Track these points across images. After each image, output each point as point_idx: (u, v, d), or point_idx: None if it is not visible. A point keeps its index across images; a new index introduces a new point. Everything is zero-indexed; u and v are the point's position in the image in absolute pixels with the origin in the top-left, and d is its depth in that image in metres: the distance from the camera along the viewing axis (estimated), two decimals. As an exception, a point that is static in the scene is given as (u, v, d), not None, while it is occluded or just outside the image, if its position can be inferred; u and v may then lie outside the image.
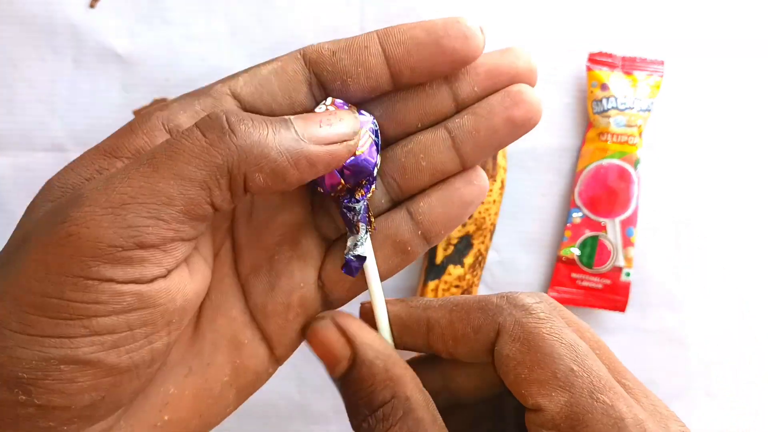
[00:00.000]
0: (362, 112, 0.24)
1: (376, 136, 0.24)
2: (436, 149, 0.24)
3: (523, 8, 0.48)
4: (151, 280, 0.20)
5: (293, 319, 0.25)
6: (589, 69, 0.48)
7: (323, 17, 0.48)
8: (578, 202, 0.48)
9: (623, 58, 0.48)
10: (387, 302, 0.25)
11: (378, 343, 0.23)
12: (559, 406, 0.20)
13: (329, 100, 0.23)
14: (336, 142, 0.21)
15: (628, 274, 0.47)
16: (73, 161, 0.22)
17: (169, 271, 0.20)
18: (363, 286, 0.25)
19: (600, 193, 0.47)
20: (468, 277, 0.46)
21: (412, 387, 0.22)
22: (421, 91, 0.24)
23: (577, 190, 0.48)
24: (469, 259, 0.46)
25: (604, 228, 0.47)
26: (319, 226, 0.26)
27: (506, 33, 0.48)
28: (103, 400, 0.20)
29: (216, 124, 0.19)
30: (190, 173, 0.19)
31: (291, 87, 0.23)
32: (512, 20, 0.48)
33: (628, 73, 0.48)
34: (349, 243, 0.24)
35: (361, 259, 0.24)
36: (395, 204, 0.26)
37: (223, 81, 0.23)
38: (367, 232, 0.24)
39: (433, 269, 0.46)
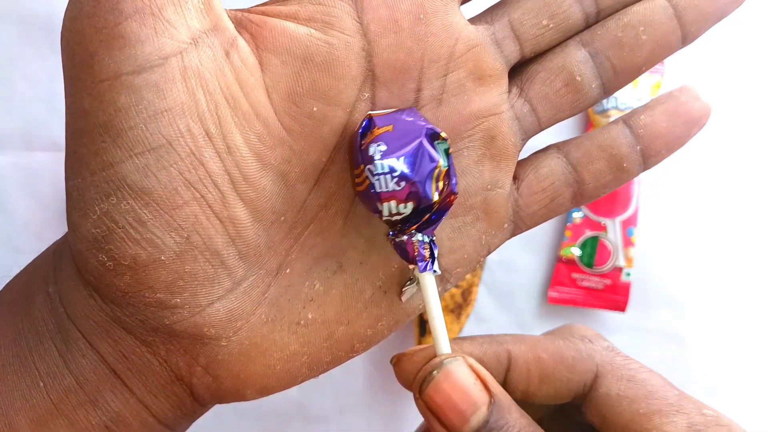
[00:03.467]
0: (398, 130, 0.20)
1: (404, 180, 0.20)
2: (657, 19, 0.22)
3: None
4: None
5: (471, 223, 0.23)
6: (589, 69, 0.48)
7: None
8: (578, 202, 0.48)
9: (623, 58, 0.47)
10: (451, 341, 0.22)
11: (503, 390, 0.21)
12: (683, 429, 0.20)
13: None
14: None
15: (628, 274, 0.47)
16: None
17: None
18: (566, 201, 0.23)
19: (600, 193, 0.47)
20: (468, 277, 0.46)
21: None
22: None
23: (577, 190, 0.48)
24: (469, 259, 0.46)
25: (604, 228, 0.47)
26: (521, 117, 0.23)
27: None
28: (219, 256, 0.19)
29: None
30: None
31: None
32: (512, 20, 0.48)
33: (628, 73, 0.47)
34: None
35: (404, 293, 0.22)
36: (606, 91, 0.23)
37: None
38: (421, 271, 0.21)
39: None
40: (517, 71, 0.23)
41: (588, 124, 0.48)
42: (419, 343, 0.46)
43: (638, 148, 0.23)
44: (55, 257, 0.21)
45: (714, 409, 0.22)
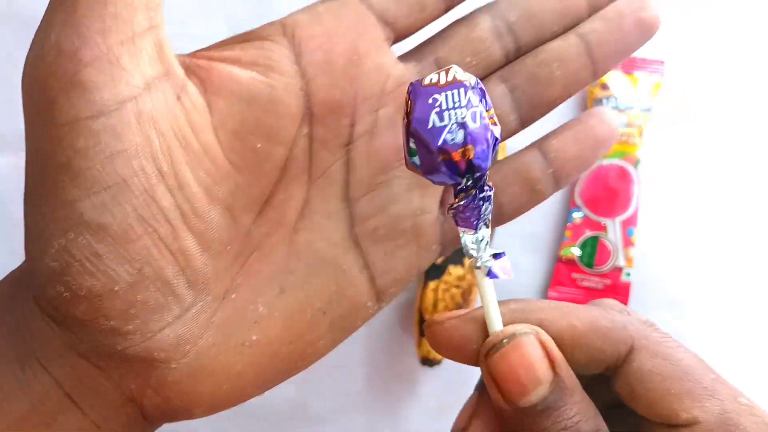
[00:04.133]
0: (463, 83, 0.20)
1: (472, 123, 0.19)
2: (569, 57, 0.24)
3: (523, 8, 0.48)
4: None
5: (402, 246, 0.24)
6: (589, 69, 0.48)
7: (323, 17, 0.48)
8: (578, 202, 0.48)
9: (623, 58, 0.47)
10: (477, 311, 0.22)
11: (572, 371, 0.20)
12: (715, 415, 0.20)
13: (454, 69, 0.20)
14: None
15: (628, 275, 0.47)
16: None
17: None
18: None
19: (600, 193, 0.47)
20: (468, 277, 0.46)
21: (605, 425, 0.20)
22: None
23: (577, 190, 0.48)
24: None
25: (604, 228, 0.47)
26: None
27: (506, 33, 0.48)
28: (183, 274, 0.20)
29: None
30: None
31: None
32: (512, 20, 0.48)
33: (628, 73, 0.48)
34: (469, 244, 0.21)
35: (499, 255, 0.21)
36: (523, 123, 0.25)
37: None
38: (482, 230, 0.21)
39: (432, 269, 0.45)
40: None
41: (588, 124, 0.48)
42: (419, 343, 0.47)
43: (550, 171, 0.25)
44: (13, 286, 0.22)
45: (749, 398, 0.21)
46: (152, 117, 0.20)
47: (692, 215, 0.49)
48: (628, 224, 0.47)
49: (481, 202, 0.20)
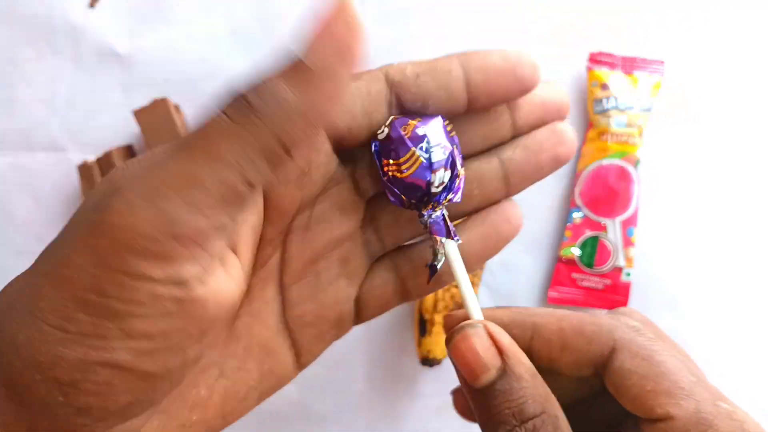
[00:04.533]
0: (426, 120, 0.24)
1: (447, 149, 0.24)
2: (489, 179, 0.26)
3: (523, 8, 0.48)
4: (188, 282, 0.19)
5: (327, 332, 0.26)
6: (589, 69, 0.48)
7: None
8: (578, 202, 0.48)
9: (623, 58, 0.48)
10: (484, 309, 0.25)
11: (525, 359, 0.23)
12: (689, 414, 0.22)
13: (389, 120, 0.24)
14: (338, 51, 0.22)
15: (628, 275, 0.47)
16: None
17: (206, 271, 0.20)
18: (393, 303, 0.27)
19: (600, 193, 0.47)
20: (469, 276, 0.46)
21: (558, 408, 0.22)
22: (486, 115, 0.26)
23: (577, 190, 0.48)
24: (469, 259, 0.46)
25: (604, 228, 0.47)
26: (368, 242, 0.27)
27: (506, 33, 0.48)
28: (137, 401, 0.20)
29: (237, 103, 0.19)
30: (221, 154, 0.19)
31: (372, 108, 0.24)
32: (512, 20, 0.48)
33: (628, 73, 0.48)
34: (431, 251, 0.25)
35: (434, 268, 0.25)
36: None
37: None
38: (443, 243, 0.25)
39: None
40: (371, 202, 0.27)
41: (588, 125, 0.48)
42: (419, 343, 0.47)
43: None
44: None
45: (733, 403, 0.23)
46: None
47: (692, 215, 0.49)
48: (628, 224, 0.47)
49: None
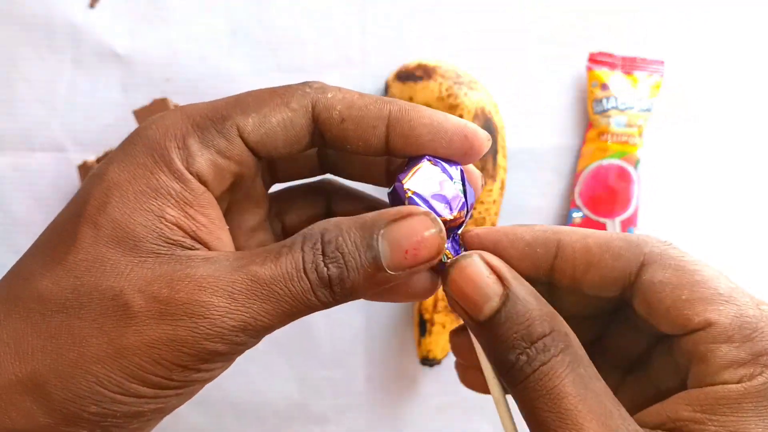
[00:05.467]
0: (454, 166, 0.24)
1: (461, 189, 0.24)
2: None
3: (523, 8, 0.48)
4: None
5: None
6: (589, 69, 0.48)
7: (323, 17, 0.48)
8: (578, 202, 0.48)
9: (623, 58, 0.48)
10: (504, 227, 0.24)
11: (525, 282, 0.22)
12: (730, 318, 0.20)
13: (425, 161, 0.24)
14: (419, 265, 0.22)
15: (628, 274, 0.47)
16: (118, 197, 0.21)
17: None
18: None
19: (600, 193, 0.47)
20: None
21: (566, 325, 0.21)
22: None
23: (577, 190, 0.48)
24: (469, 259, 0.46)
25: (604, 228, 0.47)
26: (276, 231, 0.28)
27: (506, 33, 0.48)
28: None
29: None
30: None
31: (295, 141, 0.23)
32: (512, 21, 0.48)
33: (628, 73, 0.48)
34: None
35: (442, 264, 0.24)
36: None
37: (231, 108, 0.23)
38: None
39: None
40: (279, 200, 0.29)
41: (588, 125, 0.48)
42: (419, 343, 0.47)
43: None
44: None
45: None
46: None
47: (692, 215, 0.49)
48: (628, 224, 0.47)
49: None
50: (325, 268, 0.21)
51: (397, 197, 0.23)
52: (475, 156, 0.24)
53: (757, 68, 0.49)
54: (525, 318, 0.21)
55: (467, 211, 0.24)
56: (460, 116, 0.45)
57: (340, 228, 0.21)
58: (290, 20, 0.48)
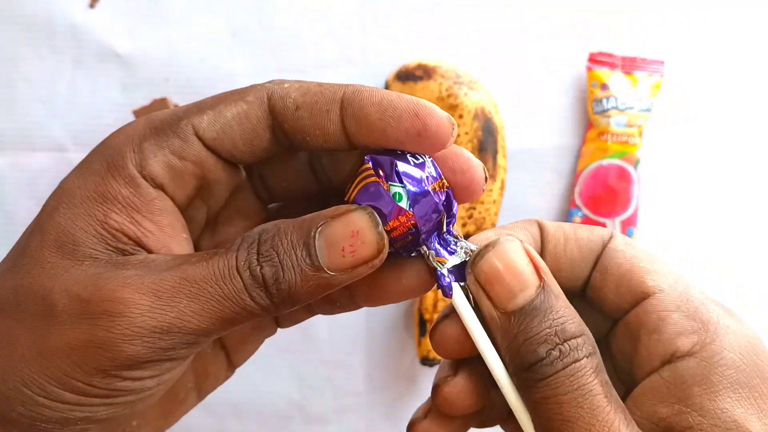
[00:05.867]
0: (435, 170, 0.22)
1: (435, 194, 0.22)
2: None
3: (523, 8, 0.48)
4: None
5: (248, 334, 0.27)
6: (589, 69, 0.48)
7: (323, 17, 0.48)
8: (578, 202, 0.48)
9: (623, 58, 0.47)
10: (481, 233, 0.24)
11: (556, 281, 0.22)
12: (680, 291, 0.22)
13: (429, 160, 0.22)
14: (359, 266, 0.21)
15: (628, 274, 0.47)
16: (65, 203, 0.21)
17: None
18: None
19: (600, 193, 0.47)
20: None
21: (591, 332, 0.21)
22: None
23: (577, 190, 0.48)
24: (469, 259, 0.46)
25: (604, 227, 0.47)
26: None
27: (506, 33, 0.48)
28: None
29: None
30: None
31: (253, 135, 0.22)
32: (512, 21, 0.48)
33: (628, 73, 0.48)
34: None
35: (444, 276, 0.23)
36: None
37: (189, 110, 0.22)
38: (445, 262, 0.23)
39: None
40: (277, 215, 0.27)
41: (588, 125, 0.48)
42: (419, 343, 0.47)
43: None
44: None
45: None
46: None
47: (692, 215, 0.49)
48: (628, 224, 0.47)
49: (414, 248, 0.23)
50: (258, 266, 0.20)
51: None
52: (431, 139, 0.21)
53: (757, 68, 0.49)
54: (560, 314, 0.20)
55: (429, 206, 0.21)
56: (460, 116, 0.45)
57: (278, 227, 0.20)
58: (290, 20, 0.48)
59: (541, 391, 0.20)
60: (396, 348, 0.49)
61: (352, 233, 0.20)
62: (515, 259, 0.21)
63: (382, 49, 0.48)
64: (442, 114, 0.21)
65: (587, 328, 0.21)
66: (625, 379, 0.23)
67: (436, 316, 0.46)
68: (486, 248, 0.21)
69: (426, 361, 0.46)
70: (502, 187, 0.46)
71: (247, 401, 0.48)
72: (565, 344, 0.20)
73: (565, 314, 0.21)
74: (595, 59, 0.48)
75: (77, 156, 0.47)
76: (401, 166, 0.21)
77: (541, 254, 0.23)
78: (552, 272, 0.22)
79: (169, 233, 0.22)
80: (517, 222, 0.24)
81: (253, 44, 0.48)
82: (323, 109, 0.22)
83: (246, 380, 0.48)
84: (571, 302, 0.21)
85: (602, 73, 0.47)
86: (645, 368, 0.21)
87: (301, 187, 0.26)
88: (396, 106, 0.21)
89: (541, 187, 0.49)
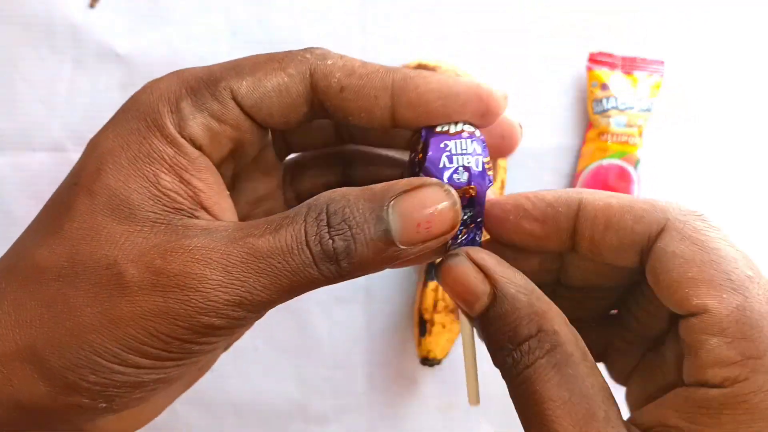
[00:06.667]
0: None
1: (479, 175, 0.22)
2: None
3: (523, 8, 0.48)
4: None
5: None
6: (589, 69, 0.48)
7: (323, 17, 0.48)
8: (578, 202, 0.48)
9: (623, 58, 0.48)
10: (530, 192, 0.23)
11: (518, 277, 0.21)
12: (730, 309, 0.18)
13: (460, 126, 0.22)
14: (431, 240, 0.20)
15: (628, 274, 0.47)
16: (112, 164, 0.21)
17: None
18: None
19: (600, 193, 0.47)
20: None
21: (560, 321, 0.20)
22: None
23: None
24: (469, 259, 0.46)
25: (604, 228, 0.47)
26: (288, 200, 0.28)
27: (506, 33, 0.48)
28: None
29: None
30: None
31: (291, 109, 0.22)
32: (512, 21, 0.48)
33: (628, 73, 0.48)
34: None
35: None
36: None
37: (226, 70, 0.23)
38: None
39: (433, 269, 0.45)
40: (294, 167, 0.28)
41: (588, 125, 0.48)
42: (419, 343, 0.47)
43: None
44: None
45: None
46: None
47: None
48: (628, 224, 0.47)
49: (473, 233, 0.23)
50: (331, 241, 0.19)
51: (413, 169, 0.22)
52: (493, 117, 0.22)
53: (757, 68, 0.49)
54: (511, 319, 0.20)
55: (486, 181, 0.22)
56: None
57: (348, 198, 0.20)
58: (290, 20, 0.48)
59: (510, 393, 0.21)
60: (396, 348, 0.49)
61: (429, 209, 0.20)
62: (460, 274, 0.21)
63: (382, 49, 0.48)
64: (500, 93, 0.22)
65: (547, 320, 0.20)
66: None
67: (436, 316, 0.46)
68: (437, 267, 0.22)
69: (426, 361, 0.46)
70: (502, 187, 0.46)
71: (247, 401, 0.48)
72: (518, 350, 0.20)
73: (518, 316, 0.20)
74: (595, 59, 0.48)
75: (77, 156, 0.47)
76: (462, 144, 0.22)
77: (575, 237, 0.22)
78: (593, 255, 0.22)
79: (216, 191, 0.22)
80: (553, 190, 0.23)
81: (253, 44, 0.48)
82: (371, 94, 0.22)
83: (246, 380, 0.48)
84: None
85: (602, 73, 0.47)
86: (684, 376, 0.20)
87: (321, 143, 0.27)
88: (458, 92, 0.22)
89: (541, 187, 0.49)
